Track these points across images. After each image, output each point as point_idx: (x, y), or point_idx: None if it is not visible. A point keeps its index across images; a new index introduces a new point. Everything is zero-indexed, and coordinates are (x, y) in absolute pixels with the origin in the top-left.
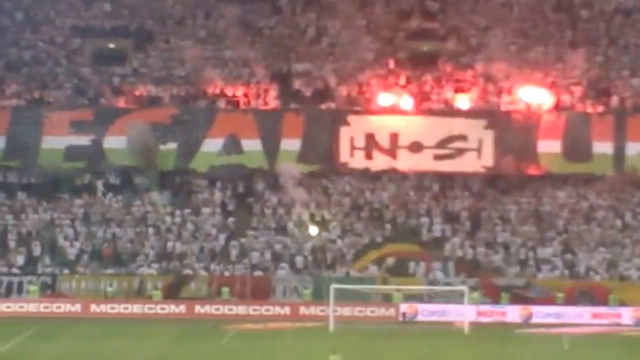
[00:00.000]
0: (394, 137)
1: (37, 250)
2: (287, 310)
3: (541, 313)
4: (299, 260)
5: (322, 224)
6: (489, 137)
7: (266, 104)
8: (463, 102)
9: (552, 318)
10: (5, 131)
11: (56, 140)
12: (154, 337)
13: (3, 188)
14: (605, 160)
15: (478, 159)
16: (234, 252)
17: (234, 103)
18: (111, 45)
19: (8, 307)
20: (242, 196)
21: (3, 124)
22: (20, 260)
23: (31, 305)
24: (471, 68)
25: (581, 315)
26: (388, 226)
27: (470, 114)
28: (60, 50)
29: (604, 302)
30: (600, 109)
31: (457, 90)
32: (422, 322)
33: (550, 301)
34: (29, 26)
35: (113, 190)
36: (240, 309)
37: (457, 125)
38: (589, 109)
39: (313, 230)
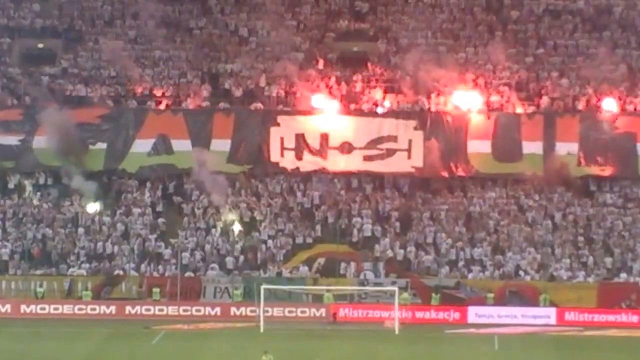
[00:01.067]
0: (324, 137)
1: None
2: (217, 310)
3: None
4: (229, 260)
5: (253, 224)
6: (418, 137)
7: (196, 104)
8: (392, 103)
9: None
10: None
11: None
12: (85, 338)
13: None
14: (534, 160)
15: (408, 159)
16: (164, 253)
17: (163, 103)
18: (40, 45)
19: None
20: (172, 196)
21: None
22: None
23: None
24: (401, 69)
25: (511, 316)
26: (318, 227)
27: (400, 114)
28: None
29: (534, 302)
30: (529, 109)
31: (387, 91)
32: (352, 322)
33: (480, 301)
34: None
35: (43, 190)
36: (171, 310)
37: (386, 126)
38: (519, 110)
39: (237, 227)
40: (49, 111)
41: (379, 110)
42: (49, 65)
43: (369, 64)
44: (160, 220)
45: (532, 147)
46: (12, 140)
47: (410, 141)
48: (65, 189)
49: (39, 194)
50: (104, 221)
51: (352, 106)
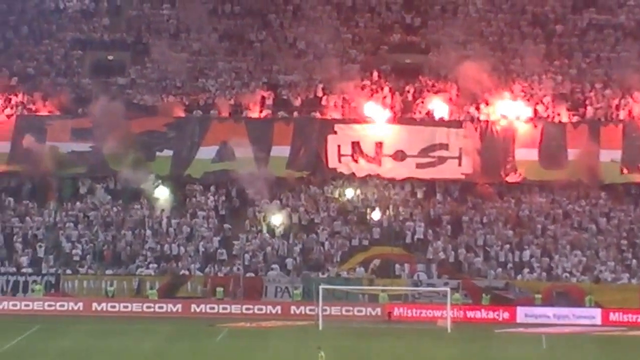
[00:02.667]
0: (379, 145)
1: (41, 251)
2: (278, 309)
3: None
4: (289, 261)
5: (311, 227)
6: (469, 145)
7: (257, 113)
8: (444, 112)
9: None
10: (11, 138)
11: (59, 146)
12: (152, 335)
13: (9, 192)
14: (579, 167)
15: (459, 166)
16: (227, 254)
17: (226, 112)
18: (110, 57)
19: (14, 305)
20: (234, 201)
21: (9, 131)
22: (25, 261)
23: (36, 304)
24: (451, 80)
25: (558, 316)
26: (374, 230)
27: (451, 123)
28: (62, 62)
29: (580, 303)
30: (574, 118)
31: (439, 101)
32: (406, 321)
33: (529, 302)
34: (32, 39)
35: (113, 195)
36: (234, 308)
37: (438, 135)
38: (564, 119)
39: (277, 219)
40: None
41: (440, 115)
42: (118, 76)
43: (420, 75)
44: (223, 223)
45: (577, 154)
46: (84, 146)
47: (460, 149)
48: (134, 193)
49: (109, 197)
50: (171, 224)
51: (405, 116)
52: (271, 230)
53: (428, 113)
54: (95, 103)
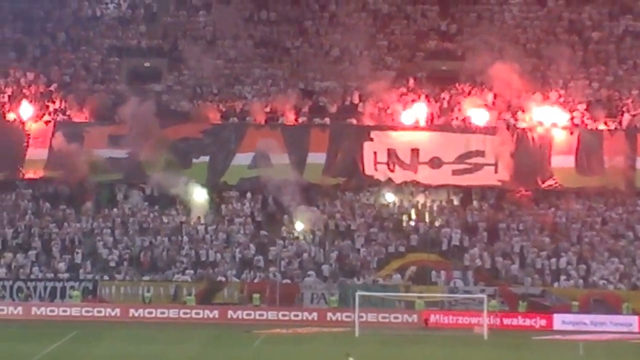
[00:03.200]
0: (415, 152)
1: (78, 257)
2: (314, 315)
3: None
4: (325, 268)
5: (348, 234)
6: (505, 152)
7: (293, 119)
8: (480, 119)
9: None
10: (49, 144)
11: (96, 153)
12: (189, 341)
13: (46, 198)
14: (616, 174)
15: (495, 173)
16: (263, 260)
17: (262, 119)
18: (146, 64)
19: (52, 311)
20: (270, 207)
21: (46, 137)
22: (63, 267)
23: (73, 310)
24: (487, 86)
25: (596, 323)
26: (411, 237)
27: (487, 130)
28: (98, 69)
29: (617, 311)
30: (611, 126)
31: (474, 108)
32: (443, 328)
33: (566, 309)
34: (69, 46)
35: (149, 201)
36: (270, 315)
37: (474, 142)
38: (601, 126)
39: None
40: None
41: (476, 122)
42: (154, 82)
43: (456, 82)
44: (259, 229)
45: (614, 161)
46: (120, 153)
47: (497, 156)
48: (170, 199)
49: (146, 204)
50: (207, 230)
51: (441, 122)
52: (306, 237)
53: (464, 120)
54: (132, 109)
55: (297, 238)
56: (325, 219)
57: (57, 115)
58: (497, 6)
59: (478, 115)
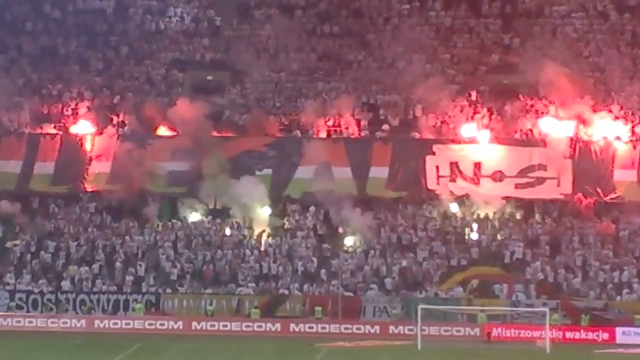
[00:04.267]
0: (477, 166)
1: (141, 270)
2: (377, 329)
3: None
4: (388, 281)
5: (410, 247)
6: (567, 166)
7: (356, 133)
8: (542, 132)
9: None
10: (112, 157)
11: (159, 166)
12: (252, 354)
13: (109, 211)
14: None
15: (557, 187)
16: (326, 274)
17: (325, 132)
18: (209, 77)
19: (115, 323)
20: (333, 220)
21: (110, 150)
22: (126, 280)
23: (136, 323)
24: (550, 100)
25: None
26: (473, 250)
27: (550, 144)
28: (162, 82)
29: None
30: None
31: (536, 122)
32: (505, 342)
33: (628, 322)
34: (133, 59)
35: (212, 214)
36: (333, 328)
37: (537, 155)
38: None
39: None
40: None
41: (539, 135)
42: (218, 95)
43: (519, 96)
44: (322, 242)
45: None
46: (183, 166)
47: (559, 169)
48: (233, 212)
49: (209, 217)
50: (270, 243)
51: (504, 136)
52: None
53: (526, 133)
54: (194, 123)
55: (358, 251)
56: (388, 232)
57: (120, 128)
58: (560, 19)
59: (540, 128)
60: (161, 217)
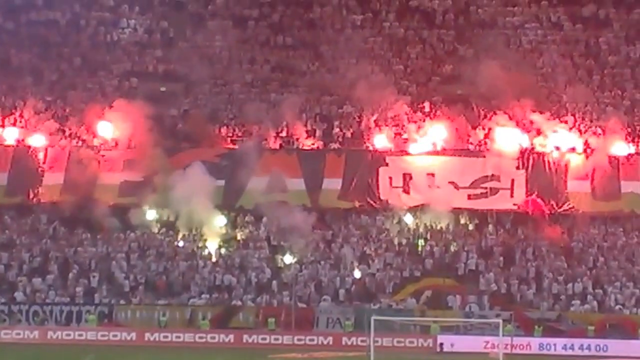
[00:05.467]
0: (430, 176)
1: (94, 281)
2: (330, 340)
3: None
4: (341, 292)
5: (363, 258)
6: (520, 177)
7: (309, 144)
8: (495, 143)
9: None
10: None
11: (111, 177)
12: None
13: (63, 223)
14: (633, 199)
15: (510, 197)
16: (278, 285)
17: (279, 143)
18: (162, 89)
19: (68, 335)
20: (286, 231)
21: (64, 161)
22: (79, 291)
23: (89, 334)
24: (503, 111)
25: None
26: (426, 261)
27: (503, 154)
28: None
29: (633, 336)
30: (628, 151)
31: (489, 132)
32: (458, 353)
33: (581, 334)
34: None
35: (166, 226)
36: (286, 339)
37: (490, 166)
38: (617, 152)
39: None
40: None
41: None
42: (171, 107)
43: (472, 106)
44: (275, 254)
45: (630, 186)
46: (135, 176)
47: (512, 180)
48: (186, 223)
49: (162, 228)
50: (222, 254)
51: (457, 147)
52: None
53: (479, 144)
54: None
55: (312, 262)
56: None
57: (73, 140)
58: (513, 30)
59: (493, 139)
60: (114, 228)
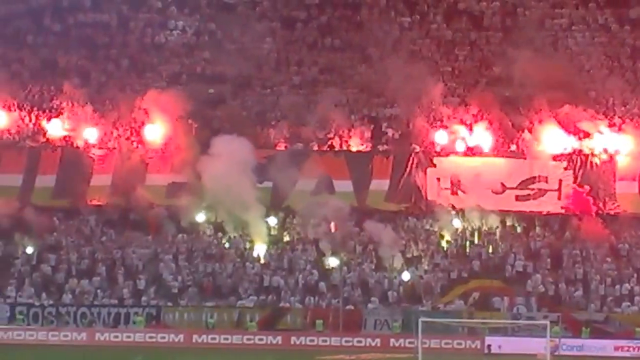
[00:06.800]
0: (478, 178)
1: (142, 283)
2: (377, 342)
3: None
4: (390, 294)
5: (412, 260)
6: (568, 178)
7: (357, 146)
8: (543, 145)
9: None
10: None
11: (160, 179)
12: None
13: (111, 224)
14: None
15: (558, 199)
16: (326, 286)
17: (327, 145)
18: (210, 90)
19: (116, 336)
20: (333, 233)
21: (111, 163)
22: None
23: (137, 335)
24: (552, 113)
25: None
26: (474, 263)
27: (550, 156)
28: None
29: None
30: None
31: (537, 134)
32: (506, 354)
33: (629, 335)
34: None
35: (214, 227)
36: (334, 341)
37: (538, 167)
38: None
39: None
40: None
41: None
42: (219, 108)
43: (520, 108)
44: (323, 255)
45: None
46: (183, 178)
47: (560, 181)
48: (235, 225)
49: (211, 229)
50: (271, 255)
51: (504, 148)
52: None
53: (527, 146)
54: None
55: (361, 264)
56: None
57: (121, 142)
58: (561, 32)
59: (541, 141)
60: (162, 230)
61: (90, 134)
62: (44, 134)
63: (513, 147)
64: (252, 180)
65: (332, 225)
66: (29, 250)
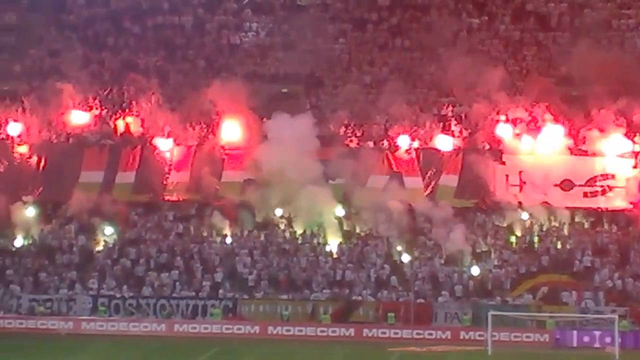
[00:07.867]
0: (546, 174)
1: (219, 276)
2: (448, 334)
3: None
4: (458, 288)
5: (481, 255)
6: (636, 175)
7: (427, 144)
8: (611, 142)
9: None
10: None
11: (234, 175)
12: (326, 358)
13: (189, 220)
14: None
15: (626, 196)
16: (398, 280)
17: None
18: (284, 90)
19: (193, 328)
20: (403, 228)
21: (189, 161)
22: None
23: (214, 327)
24: (617, 111)
25: None
26: (542, 258)
27: (617, 154)
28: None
29: None
30: None
31: (604, 132)
32: (574, 348)
33: None
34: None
35: (287, 222)
36: (405, 333)
37: (605, 164)
38: None
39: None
40: None
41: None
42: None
43: (587, 107)
44: (392, 250)
45: None
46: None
47: (627, 179)
48: (306, 220)
49: (283, 224)
50: (342, 250)
51: (572, 146)
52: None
53: (594, 143)
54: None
55: (431, 258)
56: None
57: (198, 140)
58: (629, 32)
59: (609, 139)
60: (238, 225)
61: (169, 132)
62: (124, 132)
63: (581, 145)
64: (315, 160)
65: (402, 220)
66: (111, 244)
